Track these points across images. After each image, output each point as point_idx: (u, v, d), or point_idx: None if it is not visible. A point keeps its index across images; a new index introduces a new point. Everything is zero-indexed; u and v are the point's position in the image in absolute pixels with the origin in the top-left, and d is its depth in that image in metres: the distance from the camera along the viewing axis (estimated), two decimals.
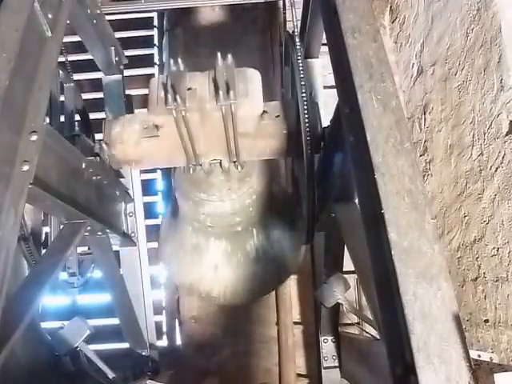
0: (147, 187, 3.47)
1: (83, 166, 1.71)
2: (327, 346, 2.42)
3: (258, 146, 1.77)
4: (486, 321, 2.43)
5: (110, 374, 1.96)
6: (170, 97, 1.45)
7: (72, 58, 2.68)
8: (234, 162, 1.82)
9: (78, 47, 3.04)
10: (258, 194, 2.01)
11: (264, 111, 1.69)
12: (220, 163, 1.83)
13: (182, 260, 2.46)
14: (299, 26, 2.25)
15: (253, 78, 1.65)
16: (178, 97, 1.44)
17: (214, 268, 2.32)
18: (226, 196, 1.93)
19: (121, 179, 2.35)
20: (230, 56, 1.54)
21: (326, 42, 1.57)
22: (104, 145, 1.71)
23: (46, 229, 2.61)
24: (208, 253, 2.29)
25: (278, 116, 1.75)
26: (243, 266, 2.31)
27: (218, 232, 2.18)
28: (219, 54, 1.52)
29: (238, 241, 2.26)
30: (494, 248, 2.35)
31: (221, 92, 1.46)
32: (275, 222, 2.33)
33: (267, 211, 2.15)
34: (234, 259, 2.30)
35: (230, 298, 2.43)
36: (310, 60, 2.41)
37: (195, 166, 1.81)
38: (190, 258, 2.37)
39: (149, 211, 3.36)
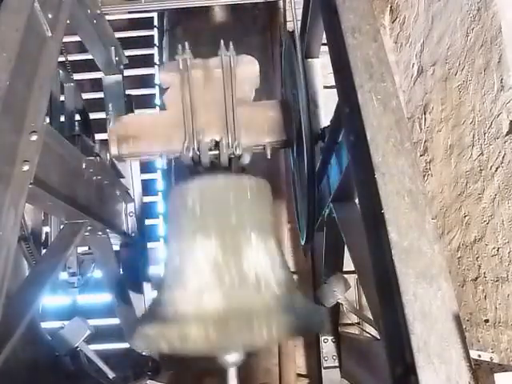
0: (147, 187, 3.46)
1: (83, 165, 1.71)
2: (327, 345, 2.42)
3: (257, 119, 1.78)
4: (486, 321, 2.43)
5: (110, 374, 1.96)
6: (179, 51, 1.71)
7: (72, 57, 2.68)
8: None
9: (78, 47, 3.04)
10: None
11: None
12: (218, 146, 1.74)
13: None
14: (299, 26, 2.25)
15: (251, 60, 1.79)
16: (186, 51, 1.71)
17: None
18: None
19: (121, 179, 2.35)
20: (231, 44, 1.72)
21: (326, 41, 1.58)
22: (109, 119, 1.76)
23: (46, 229, 2.61)
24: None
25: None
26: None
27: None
28: (222, 42, 1.71)
29: None
30: (494, 248, 2.35)
31: (222, 46, 1.69)
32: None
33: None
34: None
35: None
36: (310, 60, 2.42)
37: (193, 149, 1.74)
38: None
39: (149, 211, 3.36)
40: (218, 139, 1.74)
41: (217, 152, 1.72)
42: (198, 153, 1.73)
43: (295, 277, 3.30)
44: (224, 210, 1.53)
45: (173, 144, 1.79)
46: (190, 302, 1.43)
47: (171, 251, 1.60)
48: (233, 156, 1.73)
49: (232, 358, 1.37)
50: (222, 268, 1.44)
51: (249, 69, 1.79)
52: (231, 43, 1.75)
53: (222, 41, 1.74)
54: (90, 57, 2.33)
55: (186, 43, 1.76)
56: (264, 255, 1.50)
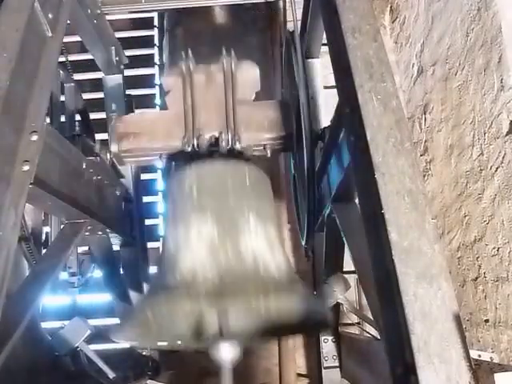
0: (147, 187, 3.47)
1: (83, 166, 1.71)
2: (327, 345, 2.42)
3: (256, 116, 1.79)
4: (487, 321, 2.43)
5: (111, 374, 1.95)
6: (182, 56, 1.74)
7: (72, 57, 2.68)
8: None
9: (78, 47, 3.04)
10: None
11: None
12: (218, 141, 1.73)
13: None
14: (299, 26, 2.25)
15: (251, 65, 1.84)
16: (189, 56, 1.75)
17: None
18: None
19: (121, 179, 2.35)
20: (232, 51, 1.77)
21: (326, 41, 1.58)
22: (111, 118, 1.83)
23: (46, 229, 2.61)
24: None
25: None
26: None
27: None
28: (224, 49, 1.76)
29: None
30: (494, 248, 2.35)
31: (224, 52, 1.74)
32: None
33: None
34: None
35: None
36: (310, 60, 2.42)
37: (192, 145, 1.73)
38: None
39: (149, 211, 3.36)
40: (217, 135, 1.74)
41: (216, 148, 1.71)
42: (197, 149, 1.72)
43: None
44: (222, 194, 1.52)
45: (173, 140, 1.79)
46: (183, 288, 1.37)
47: (168, 236, 1.58)
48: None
49: (228, 353, 1.19)
50: (218, 250, 1.40)
51: (249, 73, 1.84)
52: (232, 51, 1.80)
53: (223, 48, 1.79)
54: (90, 57, 2.33)
55: (189, 49, 1.81)
56: (263, 240, 1.46)
